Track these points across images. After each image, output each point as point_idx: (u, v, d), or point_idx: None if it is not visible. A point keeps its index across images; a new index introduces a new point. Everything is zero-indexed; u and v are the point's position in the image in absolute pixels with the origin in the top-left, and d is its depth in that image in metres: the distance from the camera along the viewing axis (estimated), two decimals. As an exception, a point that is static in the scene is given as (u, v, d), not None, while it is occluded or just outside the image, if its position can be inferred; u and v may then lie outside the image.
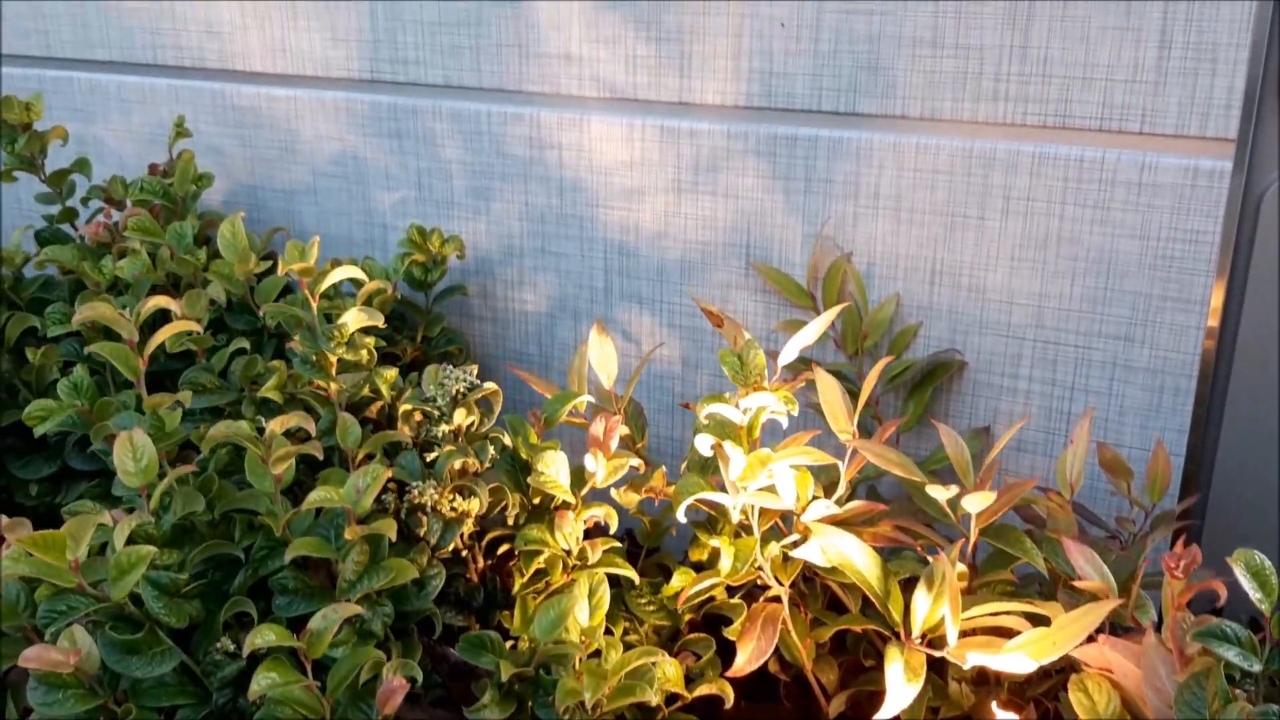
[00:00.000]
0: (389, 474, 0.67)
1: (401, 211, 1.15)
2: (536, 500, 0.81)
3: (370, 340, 0.84)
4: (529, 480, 0.77)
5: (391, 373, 0.84)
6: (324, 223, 1.20)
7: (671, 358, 1.07)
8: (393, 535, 0.67)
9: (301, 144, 1.18)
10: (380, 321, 0.82)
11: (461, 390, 0.76)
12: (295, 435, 0.76)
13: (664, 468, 0.83)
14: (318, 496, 0.65)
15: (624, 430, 0.82)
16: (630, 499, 0.82)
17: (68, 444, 0.97)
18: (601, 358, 0.86)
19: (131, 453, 0.68)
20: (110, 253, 1.03)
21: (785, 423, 0.77)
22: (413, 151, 1.12)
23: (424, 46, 1.09)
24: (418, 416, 0.81)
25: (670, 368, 1.07)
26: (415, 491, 0.73)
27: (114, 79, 1.25)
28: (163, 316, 1.02)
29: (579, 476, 0.80)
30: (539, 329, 1.13)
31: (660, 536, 0.90)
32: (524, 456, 0.80)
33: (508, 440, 0.82)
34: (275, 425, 0.68)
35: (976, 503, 0.70)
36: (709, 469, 0.80)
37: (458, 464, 0.74)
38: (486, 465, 0.76)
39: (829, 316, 0.79)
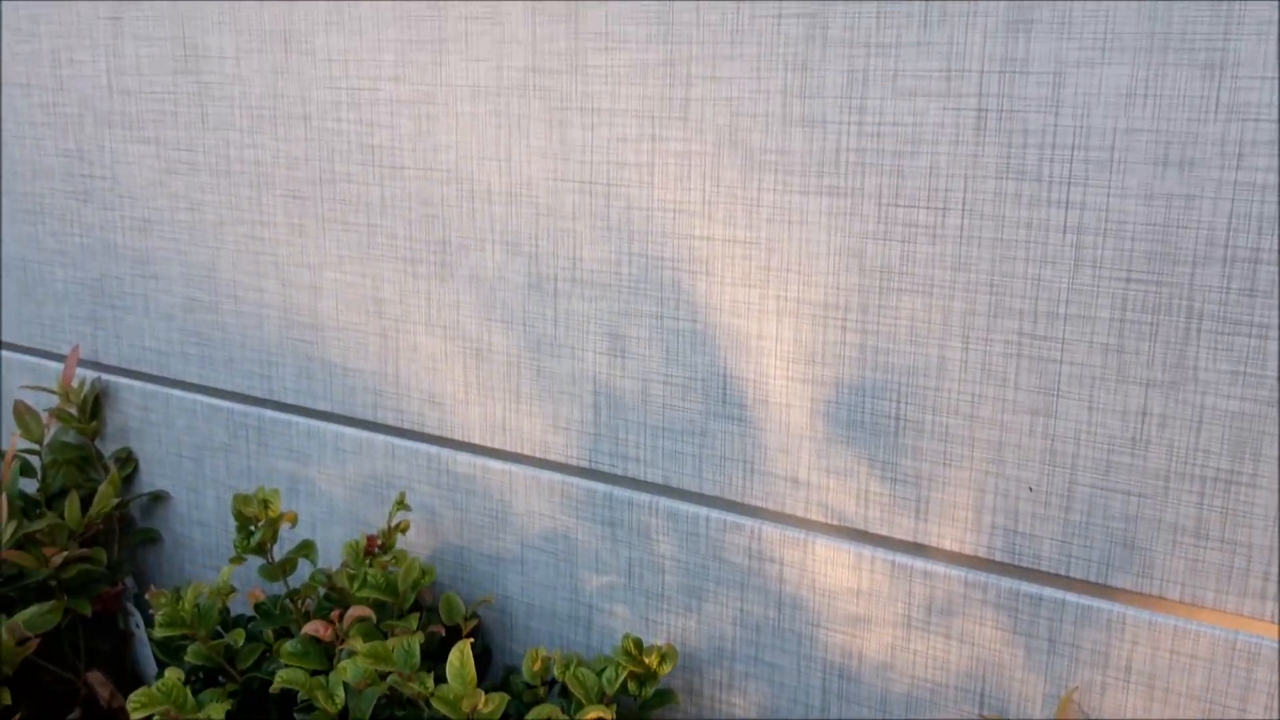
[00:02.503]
0: None
1: (609, 595, 1.15)
2: None
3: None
4: None
5: None
6: (529, 593, 1.20)
7: (890, 790, 1.03)
8: None
9: (513, 516, 1.19)
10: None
11: None
12: None
13: None
14: None
15: None
16: None
17: None
18: None
19: None
20: (336, 656, 1.04)
21: None
22: (625, 541, 1.13)
23: (645, 447, 1.10)
24: None
25: (889, 800, 1.03)
26: None
27: (332, 428, 1.29)
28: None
29: None
30: (747, 732, 1.10)
31: None
32: None
33: None
34: None
35: None
36: None
37: None
38: None
39: None
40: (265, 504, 1.07)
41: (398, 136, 1.18)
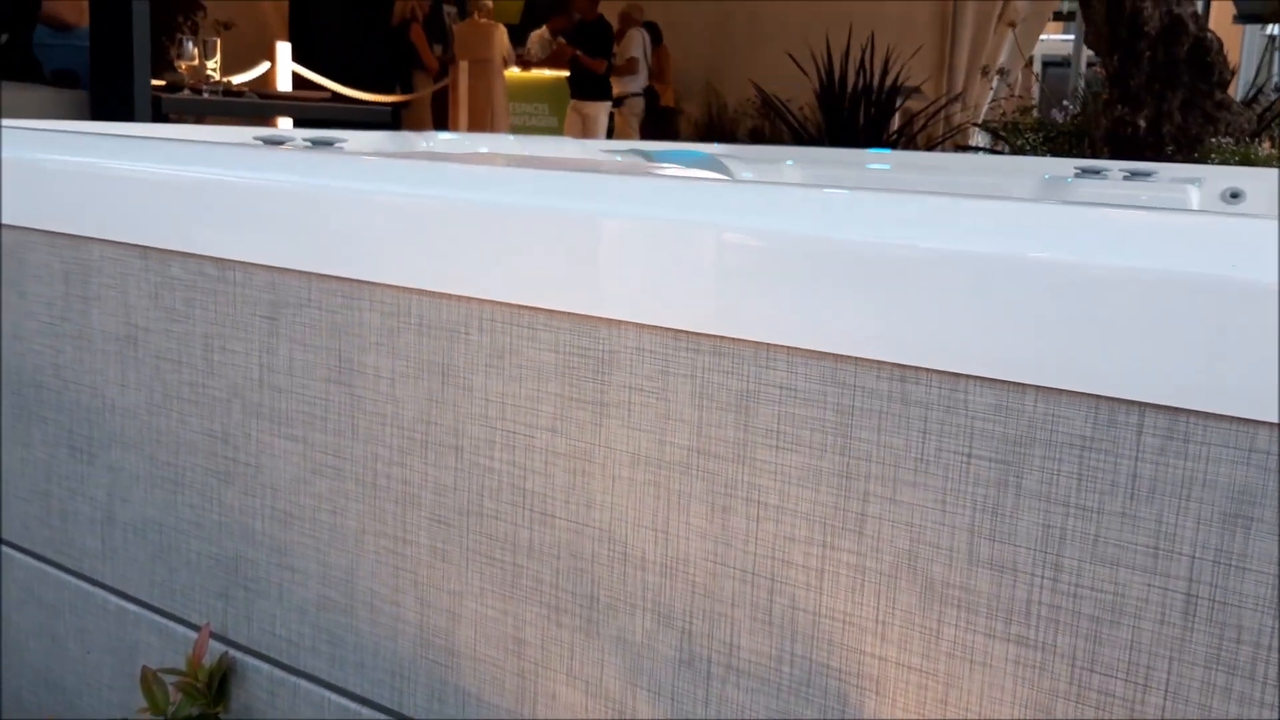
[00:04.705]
0: None
1: None
2: None
3: None
4: None
5: None
6: None
7: None
8: None
9: None
10: None
11: None
12: None
13: None
14: None
15: None
16: None
17: None
18: None
19: None
20: None
21: None
22: None
23: None
24: None
25: None
26: None
27: (462, 755, 1.27)
28: None
29: None
30: None
31: None
32: None
33: None
34: None
35: None
36: None
37: None
38: None
39: None
40: None
41: (551, 486, 1.16)
